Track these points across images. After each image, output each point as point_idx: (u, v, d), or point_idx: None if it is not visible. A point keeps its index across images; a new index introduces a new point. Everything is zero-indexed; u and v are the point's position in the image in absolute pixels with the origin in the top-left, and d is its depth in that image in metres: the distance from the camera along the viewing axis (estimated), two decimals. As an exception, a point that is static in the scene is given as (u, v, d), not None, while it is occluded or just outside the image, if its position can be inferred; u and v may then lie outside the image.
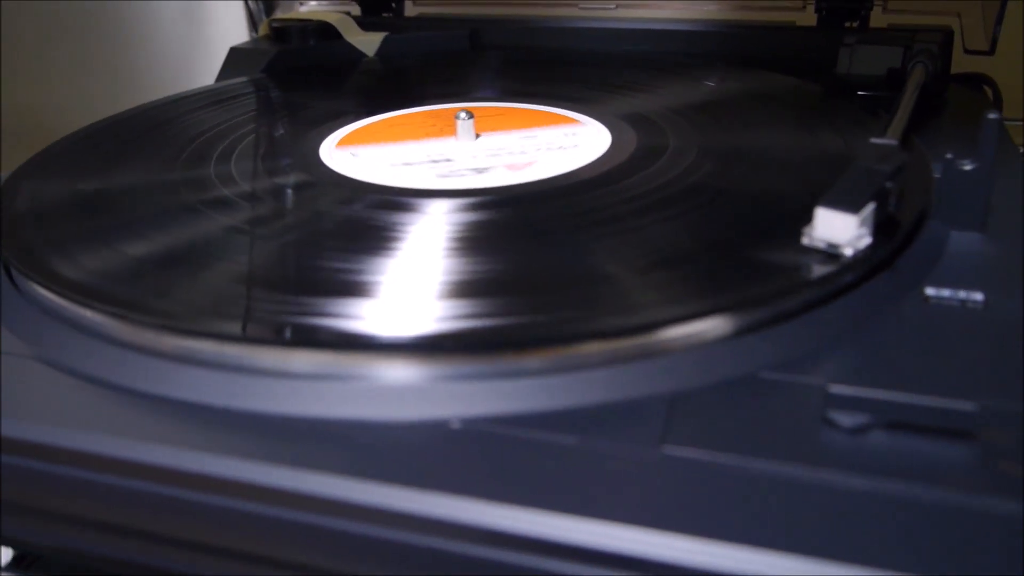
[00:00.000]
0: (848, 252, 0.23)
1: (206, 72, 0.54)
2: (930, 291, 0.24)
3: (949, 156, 0.27)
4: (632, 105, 0.39)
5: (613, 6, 0.54)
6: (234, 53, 0.51)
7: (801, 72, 0.43)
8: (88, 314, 0.23)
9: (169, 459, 0.19)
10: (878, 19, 0.50)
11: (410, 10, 0.60)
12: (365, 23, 0.55)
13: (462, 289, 0.23)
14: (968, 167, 0.27)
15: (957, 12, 0.47)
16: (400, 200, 0.29)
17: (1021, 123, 0.62)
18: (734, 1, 0.53)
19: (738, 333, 0.21)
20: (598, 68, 0.46)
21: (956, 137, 0.36)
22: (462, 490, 0.17)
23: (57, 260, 0.26)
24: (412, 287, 0.23)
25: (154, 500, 0.19)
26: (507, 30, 0.54)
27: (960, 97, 0.43)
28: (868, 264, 0.23)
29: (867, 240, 0.23)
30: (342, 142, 0.35)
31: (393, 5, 0.59)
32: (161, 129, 0.38)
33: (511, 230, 0.27)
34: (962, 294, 0.23)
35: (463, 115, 0.34)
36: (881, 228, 0.24)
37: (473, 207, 0.28)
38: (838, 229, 0.23)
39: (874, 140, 0.27)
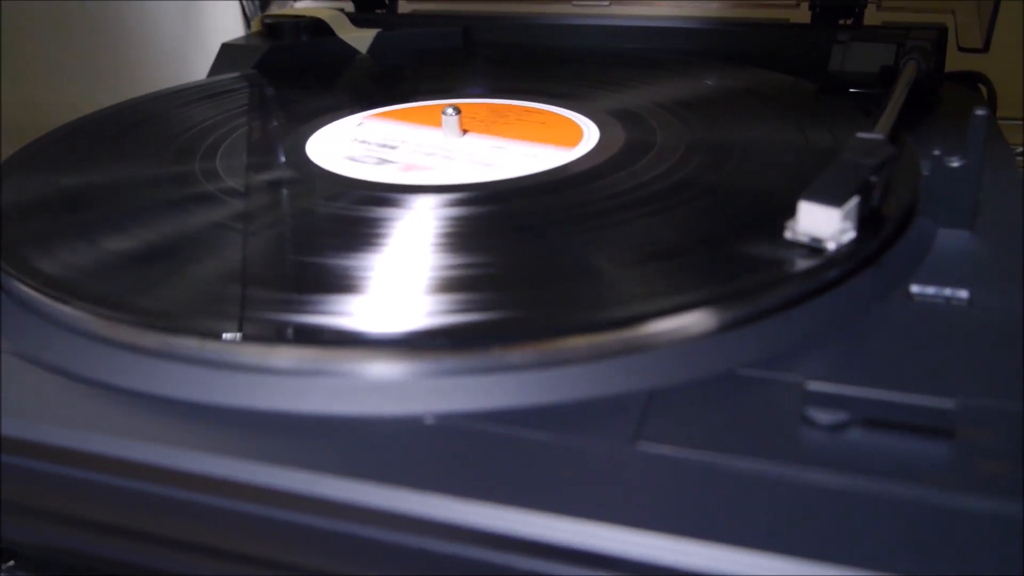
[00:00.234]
0: (831, 246, 0.23)
1: (203, 69, 0.54)
2: (915, 288, 0.23)
3: (937, 153, 0.26)
4: (622, 101, 0.39)
5: (606, 3, 0.54)
6: (226, 49, 0.51)
7: (795, 69, 0.43)
8: (66, 310, 0.23)
9: (141, 454, 0.19)
10: (872, 17, 0.50)
11: (403, 7, 0.60)
12: (358, 19, 0.55)
13: (438, 285, 0.23)
14: (956, 164, 0.26)
15: (951, 10, 0.47)
16: (384, 196, 0.29)
17: (1021, 122, 0.62)
18: (728, -2, 0.53)
19: (717, 329, 0.21)
20: (590, 65, 0.46)
21: (948, 134, 0.36)
22: (433, 487, 0.17)
23: (38, 255, 0.25)
24: (389, 283, 0.23)
25: (127, 494, 0.19)
26: (500, 27, 0.54)
27: (954, 95, 0.42)
28: (852, 260, 0.23)
29: (851, 234, 0.23)
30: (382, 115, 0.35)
31: (386, 2, 0.59)
32: (147, 125, 0.38)
33: (491, 226, 0.27)
34: (947, 292, 0.23)
35: (449, 111, 0.34)
36: (866, 223, 0.24)
37: (455, 203, 0.28)
38: (821, 223, 0.23)
39: (860, 134, 0.26)
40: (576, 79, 0.43)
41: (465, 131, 0.35)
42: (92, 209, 0.29)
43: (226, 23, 0.66)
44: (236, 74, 0.47)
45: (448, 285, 0.23)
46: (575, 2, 0.55)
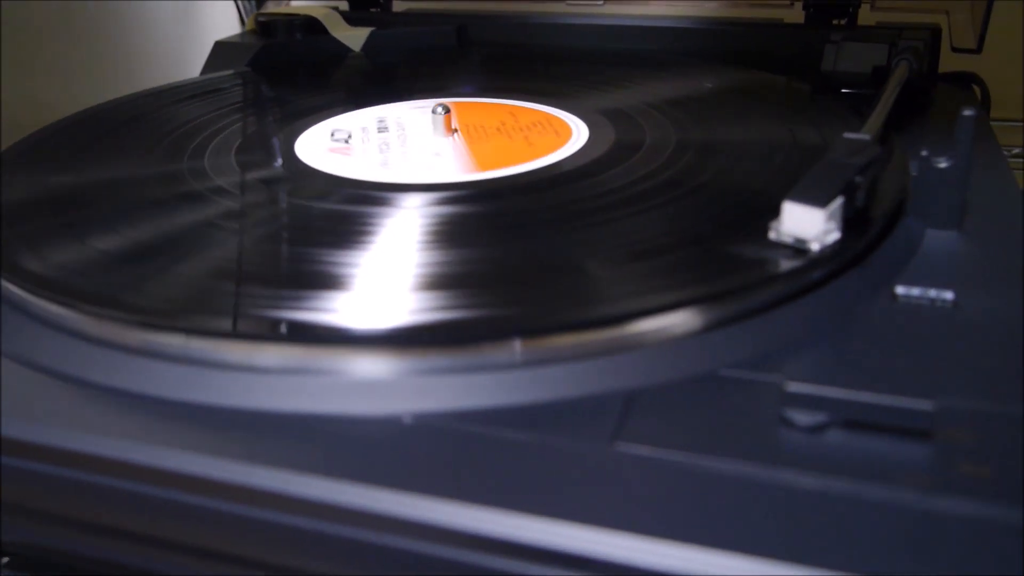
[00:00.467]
0: (815, 247, 0.23)
1: (200, 67, 0.54)
2: (900, 289, 0.23)
3: (924, 153, 0.26)
4: (613, 101, 0.38)
5: (600, 3, 0.54)
6: (219, 47, 0.51)
7: (788, 69, 0.43)
8: (52, 308, 0.23)
9: (114, 450, 0.19)
10: (866, 17, 0.49)
11: (398, 6, 0.60)
12: (353, 18, 0.55)
13: (418, 284, 0.23)
14: (943, 165, 0.26)
15: (945, 10, 0.47)
16: (370, 195, 0.29)
17: (1021, 123, 0.62)
18: (722, -2, 0.53)
19: (698, 330, 0.21)
20: (582, 64, 0.46)
21: (940, 135, 0.36)
22: (409, 487, 0.17)
23: (25, 254, 0.25)
24: (368, 282, 0.23)
25: (110, 492, 0.19)
26: (494, 26, 0.54)
27: (947, 96, 0.42)
28: (837, 260, 0.23)
29: (835, 235, 0.23)
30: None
31: (381, 0, 0.59)
32: (136, 123, 0.38)
33: (474, 225, 0.26)
34: (932, 293, 0.23)
35: (439, 109, 0.34)
36: (852, 224, 0.24)
37: (440, 201, 0.28)
38: (805, 223, 0.22)
39: (847, 135, 0.26)
40: (568, 78, 0.43)
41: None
42: (78, 207, 0.29)
43: (225, 22, 0.67)
44: (228, 72, 0.47)
45: (428, 284, 0.23)
46: (569, 1, 0.55)
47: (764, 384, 0.19)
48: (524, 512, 0.16)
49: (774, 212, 0.23)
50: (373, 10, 0.59)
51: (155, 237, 0.26)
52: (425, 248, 0.25)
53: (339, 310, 0.21)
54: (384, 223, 0.27)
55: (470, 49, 0.53)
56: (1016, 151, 0.64)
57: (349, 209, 0.28)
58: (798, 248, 0.23)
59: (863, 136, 0.26)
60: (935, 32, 0.43)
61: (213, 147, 0.34)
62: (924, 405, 0.17)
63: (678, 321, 0.21)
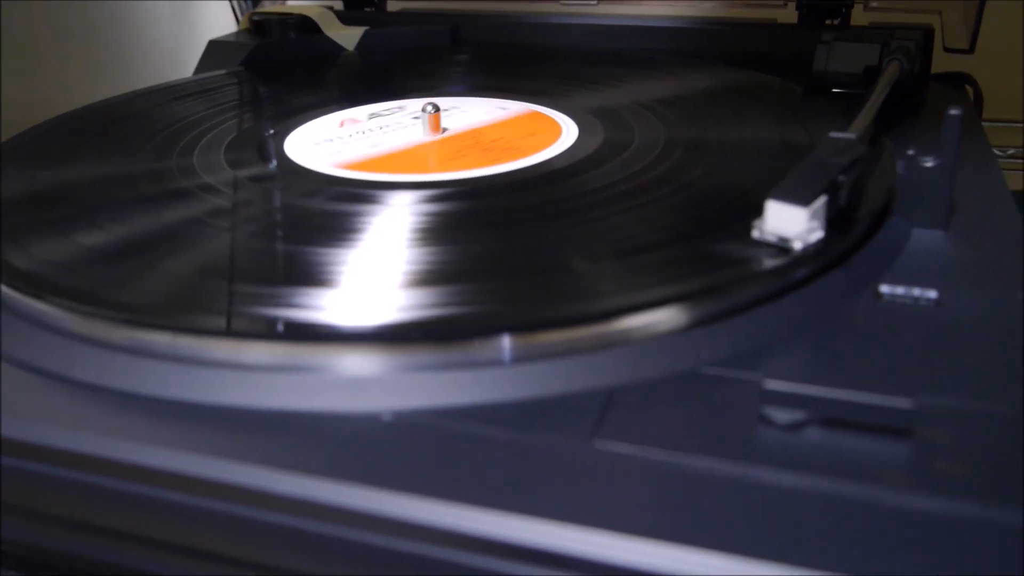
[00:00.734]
0: (797, 246, 0.23)
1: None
2: (884, 288, 0.23)
3: (911, 152, 0.26)
4: (604, 100, 0.38)
5: (594, 2, 0.54)
6: (213, 46, 0.51)
7: (782, 69, 0.43)
8: (37, 305, 0.23)
9: (93, 447, 0.19)
10: (859, 17, 0.49)
11: (393, 5, 0.60)
12: (348, 17, 0.55)
13: (399, 281, 0.23)
14: (930, 164, 0.26)
15: (939, 11, 0.47)
16: (356, 192, 0.29)
17: (1011, 124, 0.62)
18: (715, -2, 0.53)
19: (680, 327, 0.21)
20: (575, 64, 0.46)
21: (930, 135, 0.36)
22: (387, 484, 0.17)
23: (12, 251, 0.25)
24: (350, 279, 0.23)
25: (92, 490, 0.19)
26: (488, 26, 0.54)
27: (940, 96, 0.42)
28: (821, 259, 0.23)
29: (819, 234, 0.23)
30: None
31: (375, 0, 0.59)
32: (128, 121, 0.38)
33: (458, 222, 0.26)
34: (916, 292, 0.23)
35: (428, 107, 0.34)
36: (837, 223, 0.24)
37: (427, 199, 0.28)
38: (788, 222, 0.22)
39: (833, 134, 0.26)
40: (560, 78, 0.43)
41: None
42: (67, 205, 0.29)
43: (224, 22, 0.67)
44: (221, 72, 0.47)
45: (409, 281, 0.23)
46: (563, 1, 0.55)
47: (744, 382, 0.19)
48: (501, 509, 0.16)
49: (759, 211, 0.23)
50: (368, 9, 0.59)
51: (141, 234, 0.26)
52: (408, 246, 0.25)
53: (320, 307, 0.21)
54: (368, 220, 0.27)
55: (463, 48, 0.53)
56: (1011, 151, 0.64)
57: (334, 208, 0.28)
58: (781, 247, 0.23)
59: (848, 135, 0.26)
60: (927, 32, 0.43)
61: (202, 145, 0.34)
62: (903, 403, 0.17)
63: (659, 319, 0.21)
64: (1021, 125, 0.62)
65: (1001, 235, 0.27)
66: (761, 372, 0.19)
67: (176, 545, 0.18)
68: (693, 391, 0.19)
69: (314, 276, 0.23)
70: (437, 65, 0.49)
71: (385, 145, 0.34)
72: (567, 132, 0.34)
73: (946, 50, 0.45)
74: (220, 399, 0.19)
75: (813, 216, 0.23)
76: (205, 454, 0.18)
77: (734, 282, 0.22)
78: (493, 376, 0.19)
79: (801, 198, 0.22)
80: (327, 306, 0.22)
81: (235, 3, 0.61)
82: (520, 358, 0.20)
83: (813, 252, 0.23)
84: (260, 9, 0.55)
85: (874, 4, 0.49)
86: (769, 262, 0.22)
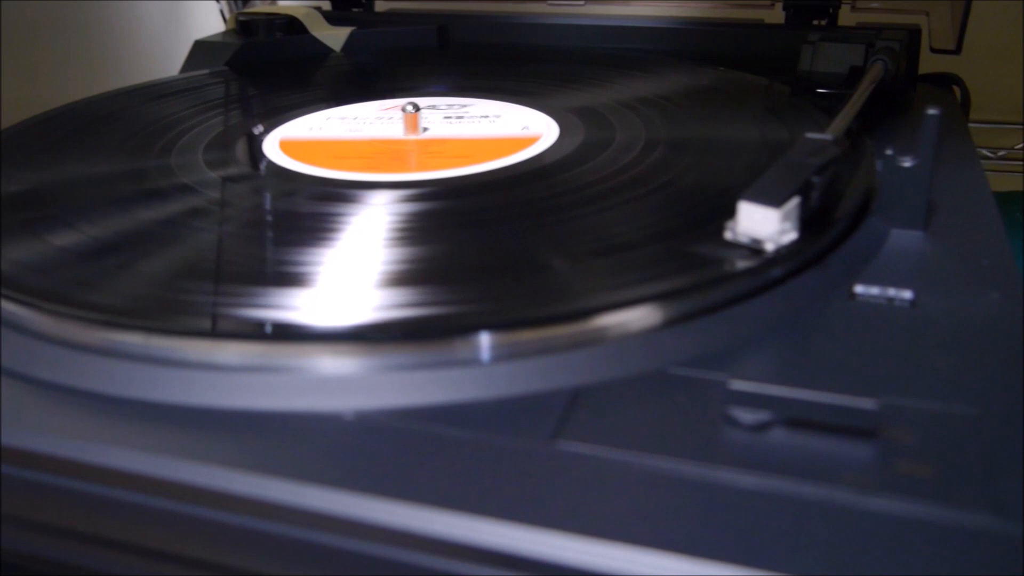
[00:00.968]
0: (769, 247, 0.22)
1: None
2: (859, 288, 0.23)
3: (889, 152, 0.26)
4: (586, 99, 0.38)
5: (582, 3, 0.54)
6: (199, 46, 0.50)
7: (768, 70, 0.43)
8: (8, 307, 0.23)
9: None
10: (847, 18, 0.49)
11: (380, 5, 0.59)
12: (335, 18, 0.54)
13: (363, 281, 0.22)
14: (907, 164, 0.26)
15: (926, 11, 0.47)
16: (330, 192, 0.29)
17: (1011, 126, 0.62)
18: (702, -2, 0.53)
19: (648, 328, 0.20)
20: (560, 64, 0.46)
21: (913, 136, 0.36)
22: (346, 484, 0.17)
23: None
24: (314, 279, 0.23)
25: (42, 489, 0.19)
26: (475, 26, 0.54)
27: (927, 96, 0.42)
28: (792, 260, 0.23)
29: (792, 235, 0.23)
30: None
31: (363, 0, 0.59)
32: (108, 121, 0.38)
33: (427, 222, 0.26)
34: (891, 292, 0.23)
35: (409, 107, 0.34)
36: (812, 224, 0.24)
37: (404, 199, 0.28)
38: (760, 224, 0.22)
39: (810, 135, 0.26)
40: (544, 77, 0.43)
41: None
42: (42, 205, 0.29)
43: (212, 22, 0.67)
44: (204, 71, 0.47)
45: (371, 282, 0.22)
46: (551, 2, 0.55)
47: (711, 382, 0.19)
48: (459, 510, 0.16)
49: (733, 212, 0.23)
50: (356, 9, 0.59)
51: (115, 234, 0.26)
52: (376, 246, 0.25)
53: (283, 307, 0.21)
54: (339, 221, 0.26)
55: (450, 49, 0.53)
56: (1003, 153, 0.64)
57: (305, 208, 0.28)
58: (754, 248, 0.23)
59: (824, 136, 0.26)
60: (912, 33, 0.43)
61: (180, 145, 0.34)
62: (867, 404, 0.17)
63: (627, 320, 0.20)
64: (1010, 126, 0.62)
65: (980, 236, 0.26)
66: (727, 372, 0.19)
67: (133, 545, 0.18)
68: (660, 391, 0.19)
69: (277, 276, 0.23)
70: (423, 65, 0.49)
71: (359, 134, 0.33)
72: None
73: (933, 51, 0.45)
74: (179, 399, 0.19)
75: (785, 217, 0.22)
76: (164, 454, 0.18)
77: (703, 283, 0.21)
78: (457, 376, 0.19)
79: (773, 199, 0.22)
80: (291, 306, 0.21)
81: (222, 3, 0.61)
82: (486, 358, 0.20)
83: (786, 253, 0.23)
84: (247, 9, 0.55)
85: (861, 5, 0.49)
86: (739, 264, 0.22)
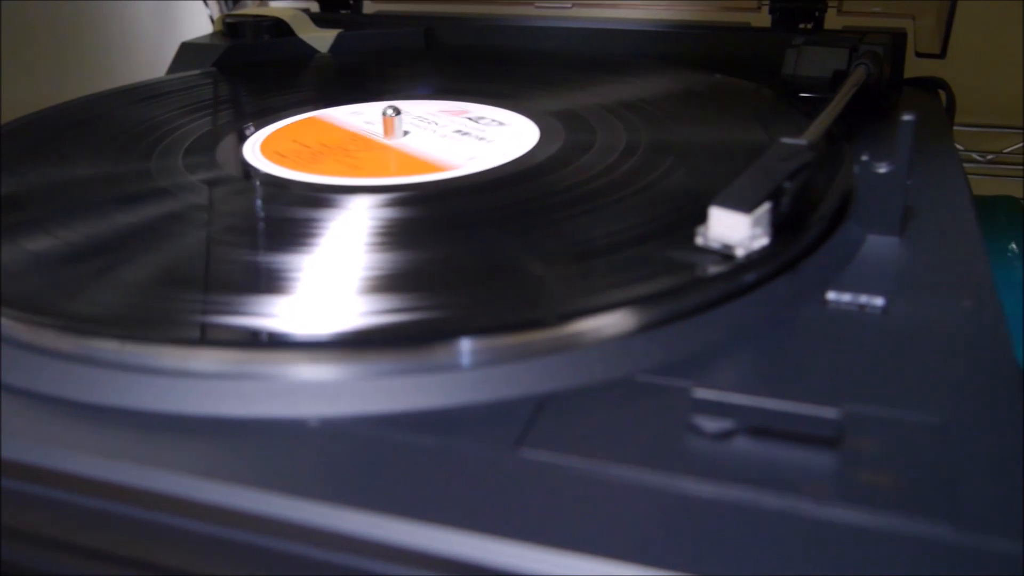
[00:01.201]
0: (740, 253, 0.22)
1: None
2: (831, 295, 0.23)
3: (865, 158, 0.26)
4: (568, 103, 0.38)
5: (569, 5, 0.54)
6: (185, 48, 0.50)
7: (754, 73, 0.43)
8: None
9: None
10: (834, 21, 0.49)
11: (368, 7, 0.59)
12: (323, 20, 0.54)
13: (333, 288, 0.22)
14: (883, 170, 0.26)
15: (912, 15, 0.47)
16: (307, 196, 0.29)
17: (1010, 130, 0.62)
18: (689, 2, 0.52)
19: (616, 335, 0.20)
20: (544, 67, 0.46)
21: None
22: (307, 492, 0.17)
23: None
24: (280, 286, 0.23)
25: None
26: (462, 29, 0.53)
27: (913, 101, 0.42)
28: (764, 266, 0.23)
29: (763, 241, 0.23)
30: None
31: (351, 2, 0.59)
32: (88, 124, 0.38)
33: (397, 228, 0.26)
34: (863, 299, 0.23)
35: (389, 111, 0.34)
36: (785, 229, 0.24)
37: (382, 204, 0.28)
38: (731, 229, 0.22)
39: (784, 140, 0.26)
40: (527, 80, 0.43)
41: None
42: (18, 209, 0.29)
43: (205, 23, 0.66)
44: (186, 73, 0.47)
45: (341, 289, 0.22)
46: (537, 4, 0.55)
47: (676, 390, 0.19)
48: (417, 519, 0.16)
49: (705, 217, 0.23)
50: (344, 12, 0.59)
51: (90, 239, 0.26)
52: (342, 254, 0.24)
53: (251, 315, 0.21)
54: (310, 227, 0.26)
55: (436, 52, 0.53)
56: (991, 157, 0.64)
57: (286, 212, 0.28)
58: (725, 254, 0.23)
59: (799, 141, 0.26)
60: (897, 37, 0.43)
61: (160, 149, 0.34)
62: (829, 413, 0.17)
63: (594, 327, 0.20)
64: (1000, 130, 0.62)
65: (956, 242, 0.26)
66: (693, 380, 0.19)
67: (92, 550, 0.18)
68: (627, 399, 0.19)
69: (247, 283, 0.23)
70: (409, 68, 0.49)
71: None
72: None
73: (918, 55, 0.45)
74: (148, 405, 0.19)
75: (756, 223, 0.22)
76: (127, 462, 0.18)
77: (673, 290, 0.21)
78: (421, 383, 0.19)
79: (743, 204, 0.22)
80: (257, 313, 0.21)
81: (209, 5, 0.61)
82: (451, 365, 0.20)
83: (757, 259, 0.23)
84: (234, 11, 0.55)
85: (847, 8, 0.49)
86: (709, 269, 0.22)
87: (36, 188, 0.31)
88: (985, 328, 0.21)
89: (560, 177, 0.30)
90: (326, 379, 0.19)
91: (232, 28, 0.52)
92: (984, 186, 0.63)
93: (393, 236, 0.25)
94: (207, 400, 0.19)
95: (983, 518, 0.15)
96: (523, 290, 0.22)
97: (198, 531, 0.17)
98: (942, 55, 0.44)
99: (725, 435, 0.18)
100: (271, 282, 0.23)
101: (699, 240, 0.23)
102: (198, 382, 0.19)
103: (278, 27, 0.52)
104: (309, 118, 0.38)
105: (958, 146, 0.63)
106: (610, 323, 0.20)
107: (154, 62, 0.63)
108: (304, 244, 0.25)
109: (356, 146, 0.34)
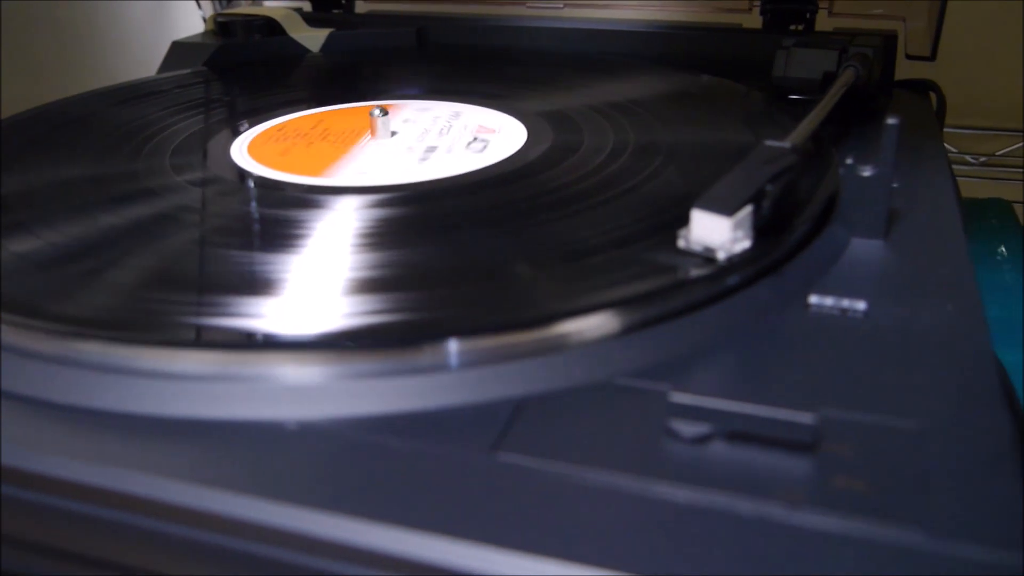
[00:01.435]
0: (721, 256, 0.22)
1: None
2: (813, 299, 0.23)
3: (849, 161, 0.26)
4: (556, 103, 0.38)
5: (560, 5, 0.54)
6: (176, 47, 0.50)
7: (745, 74, 0.42)
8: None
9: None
10: (825, 23, 0.49)
11: (361, 7, 0.59)
12: (315, 19, 0.54)
13: (311, 290, 0.22)
14: (867, 173, 0.26)
15: (903, 17, 0.47)
16: (294, 197, 0.29)
17: (1014, 133, 0.62)
18: (681, 3, 0.52)
19: (594, 338, 0.20)
20: (535, 67, 0.46)
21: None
22: (282, 495, 0.17)
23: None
24: (260, 288, 0.23)
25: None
26: (454, 28, 0.53)
27: (902, 103, 0.42)
28: (745, 269, 0.23)
29: (744, 244, 0.23)
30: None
31: (343, 2, 0.59)
32: (77, 124, 0.38)
33: (377, 230, 0.26)
34: (845, 303, 0.23)
35: (376, 112, 0.34)
36: (769, 232, 0.24)
37: (369, 206, 0.28)
38: (713, 232, 0.22)
39: (768, 142, 0.26)
40: (517, 81, 0.43)
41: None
42: (3, 211, 0.29)
43: (198, 23, 0.66)
44: (175, 73, 0.47)
45: (320, 290, 0.22)
46: (529, 4, 0.55)
47: (654, 394, 0.19)
48: (392, 523, 0.16)
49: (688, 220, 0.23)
50: (336, 11, 0.59)
51: (76, 240, 0.26)
52: (320, 255, 0.24)
53: (229, 316, 0.21)
54: (292, 227, 0.26)
55: (428, 51, 0.53)
56: (983, 159, 0.64)
57: (270, 213, 0.28)
58: (706, 257, 0.23)
59: (782, 144, 0.26)
60: (888, 39, 0.43)
61: (148, 149, 0.34)
62: (805, 418, 0.17)
63: (573, 329, 0.20)
64: (991, 132, 0.63)
65: (940, 245, 0.26)
66: (671, 384, 0.19)
67: (62, 551, 0.18)
68: (605, 402, 0.19)
69: (227, 284, 0.23)
70: (400, 68, 0.49)
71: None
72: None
73: (908, 57, 0.45)
74: (128, 407, 0.19)
75: (737, 226, 0.22)
76: (96, 462, 0.18)
77: (652, 293, 0.21)
78: (398, 386, 0.19)
79: (725, 207, 0.22)
80: (237, 314, 0.21)
81: (201, 4, 0.60)
82: (428, 368, 0.19)
83: (738, 262, 0.22)
84: (225, 10, 0.55)
85: (838, 10, 0.49)
86: (690, 272, 0.22)
87: (22, 189, 0.30)
88: (966, 333, 0.21)
89: (544, 179, 0.30)
90: (303, 382, 0.19)
91: (223, 27, 0.52)
92: (977, 189, 0.63)
93: (377, 237, 0.25)
94: (183, 402, 0.19)
95: (956, 525, 0.15)
96: (501, 292, 0.22)
97: (174, 534, 0.17)
98: (932, 58, 0.44)
99: (702, 440, 0.18)
100: (251, 283, 0.23)
101: (681, 243, 0.23)
102: (172, 384, 0.19)
103: (270, 26, 0.52)
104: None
105: (951, 148, 0.63)
106: (589, 326, 0.20)
107: (147, 62, 0.63)
108: (285, 245, 0.25)
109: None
